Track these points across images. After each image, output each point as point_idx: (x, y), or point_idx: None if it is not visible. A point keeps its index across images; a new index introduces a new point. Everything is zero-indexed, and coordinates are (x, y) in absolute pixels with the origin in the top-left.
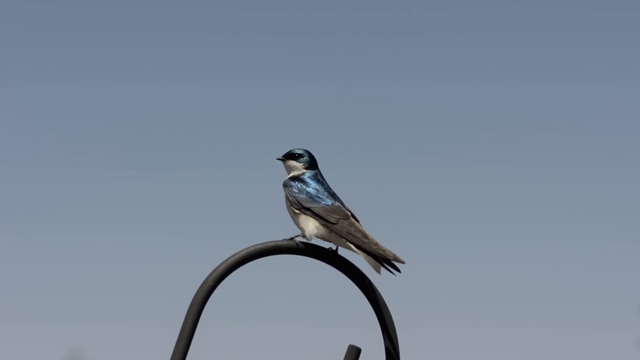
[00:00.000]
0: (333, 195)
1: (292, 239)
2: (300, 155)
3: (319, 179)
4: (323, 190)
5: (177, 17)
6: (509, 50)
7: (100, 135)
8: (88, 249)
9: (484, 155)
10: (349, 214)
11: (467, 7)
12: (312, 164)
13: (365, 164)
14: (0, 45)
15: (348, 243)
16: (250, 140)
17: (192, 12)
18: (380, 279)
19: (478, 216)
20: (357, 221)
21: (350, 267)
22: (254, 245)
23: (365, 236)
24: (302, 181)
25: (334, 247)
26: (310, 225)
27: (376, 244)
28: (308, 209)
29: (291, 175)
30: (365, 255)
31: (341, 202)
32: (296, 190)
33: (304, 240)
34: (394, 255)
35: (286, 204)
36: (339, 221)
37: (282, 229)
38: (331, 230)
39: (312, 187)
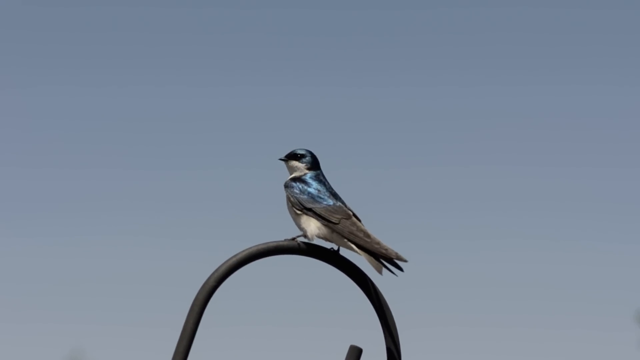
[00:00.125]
0: (335, 195)
1: (293, 239)
2: (303, 156)
3: (320, 179)
4: (325, 190)
5: (177, 17)
6: (512, 50)
7: (101, 135)
8: (88, 249)
9: (484, 155)
10: (351, 213)
11: (468, 7)
12: (314, 165)
13: (366, 164)
14: (1, 46)
15: (350, 243)
16: (251, 140)
17: (192, 12)
18: (381, 279)
19: (479, 216)
20: (359, 220)
21: (351, 267)
22: (256, 246)
23: (368, 235)
24: (304, 182)
25: (335, 248)
26: (312, 226)
27: (378, 243)
28: (310, 209)
29: (293, 175)
30: (367, 255)
31: (343, 202)
32: (297, 191)
33: (306, 240)
34: (396, 253)
35: (287, 205)
36: (340, 221)
37: (284, 229)
38: (333, 230)
39: (314, 187)
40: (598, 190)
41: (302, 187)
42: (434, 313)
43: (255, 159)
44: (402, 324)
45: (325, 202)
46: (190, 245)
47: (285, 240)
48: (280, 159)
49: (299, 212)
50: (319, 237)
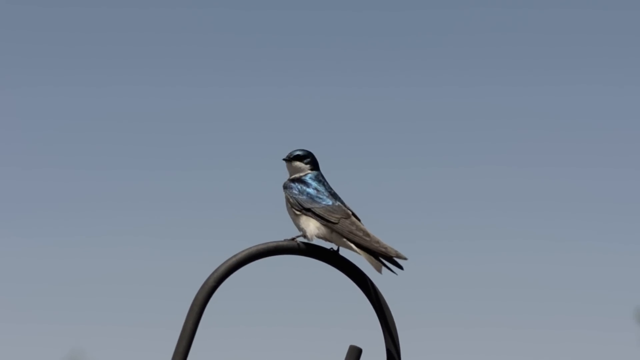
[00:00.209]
0: (334, 195)
1: (293, 239)
2: (305, 156)
3: (320, 179)
4: (324, 190)
5: (177, 17)
6: (513, 50)
7: (100, 135)
8: (88, 249)
9: (485, 155)
10: (350, 212)
11: (468, 7)
12: (315, 165)
13: (366, 164)
14: (1, 46)
15: (349, 243)
16: (251, 140)
17: (192, 12)
18: (381, 279)
19: (479, 216)
20: (359, 220)
21: (351, 267)
22: (256, 246)
23: (367, 234)
24: (303, 182)
25: (335, 248)
26: (312, 226)
27: (377, 242)
28: (309, 209)
29: (292, 176)
30: (367, 254)
31: (342, 202)
32: (296, 192)
33: (305, 240)
34: (396, 252)
35: (286, 205)
36: (340, 220)
37: (283, 229)
38: (332, 230)
39: (313, 187)
40: (598, 190)
41: (301, 187)
42: (434, 313)
43: (256, 159)
44: (402, 324)
45: (324, 202)
46: (190, 245)
47: (284, 240)
48: (284, 159)
49: (298, 212)
50: (318, 237)
